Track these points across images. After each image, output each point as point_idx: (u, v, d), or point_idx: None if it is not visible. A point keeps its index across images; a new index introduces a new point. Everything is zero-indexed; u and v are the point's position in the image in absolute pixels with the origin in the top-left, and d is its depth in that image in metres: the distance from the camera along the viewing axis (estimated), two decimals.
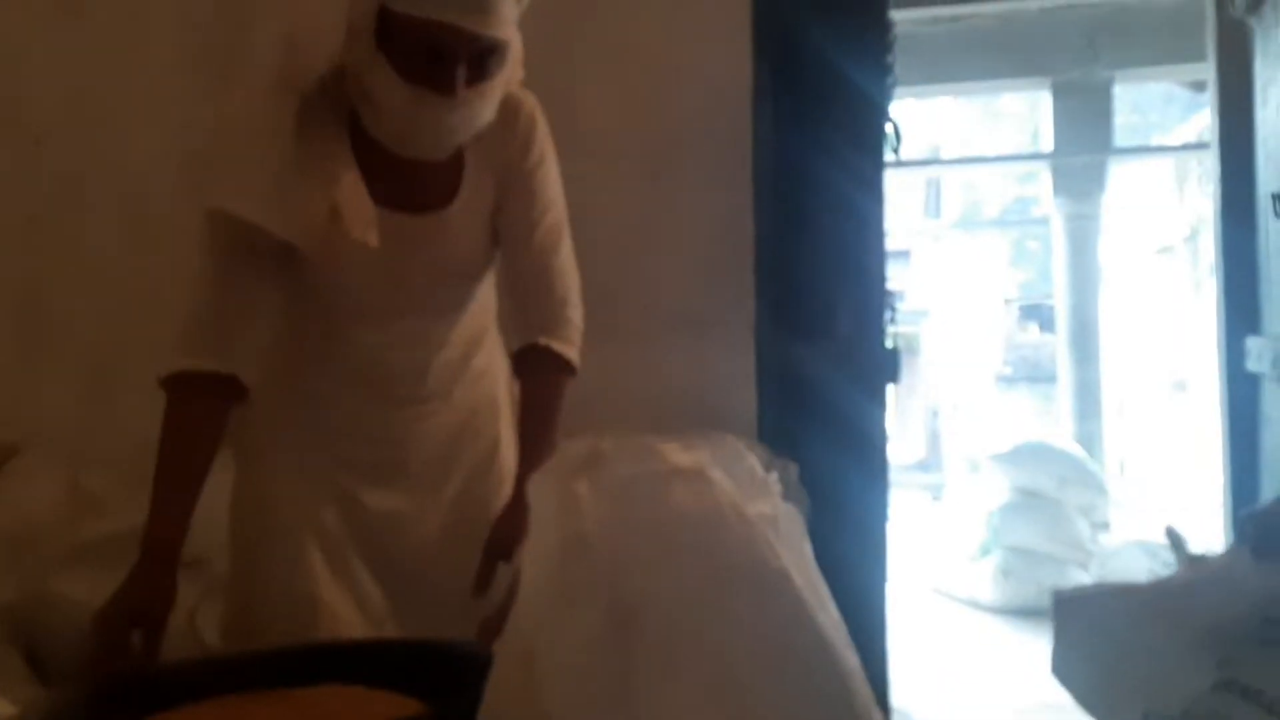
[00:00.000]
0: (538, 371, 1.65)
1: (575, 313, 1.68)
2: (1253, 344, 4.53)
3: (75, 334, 2.63)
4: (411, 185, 1.55)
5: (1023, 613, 6.09)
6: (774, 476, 2.16)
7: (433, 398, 1.68)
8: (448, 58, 1.41)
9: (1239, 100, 4.90)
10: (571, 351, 1.66)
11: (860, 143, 2.58)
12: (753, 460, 2.18)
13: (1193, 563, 2.32)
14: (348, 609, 1.60)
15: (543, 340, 1.63)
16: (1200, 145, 7.86)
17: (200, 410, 1.51)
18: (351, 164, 1.51)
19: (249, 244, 1.49)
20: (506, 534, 1.56)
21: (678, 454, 1.77)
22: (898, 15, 2.68)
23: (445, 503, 1.69)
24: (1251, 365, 4.52)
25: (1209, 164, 5.92)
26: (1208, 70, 5.60)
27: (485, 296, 1.72)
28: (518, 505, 1.57)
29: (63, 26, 2.67)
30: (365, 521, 1.65)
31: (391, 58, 1.41)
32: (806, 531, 2.07)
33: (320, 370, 1.65)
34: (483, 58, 1.44)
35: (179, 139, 2.43)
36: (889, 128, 2.63)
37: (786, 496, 2.13)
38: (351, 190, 1.49)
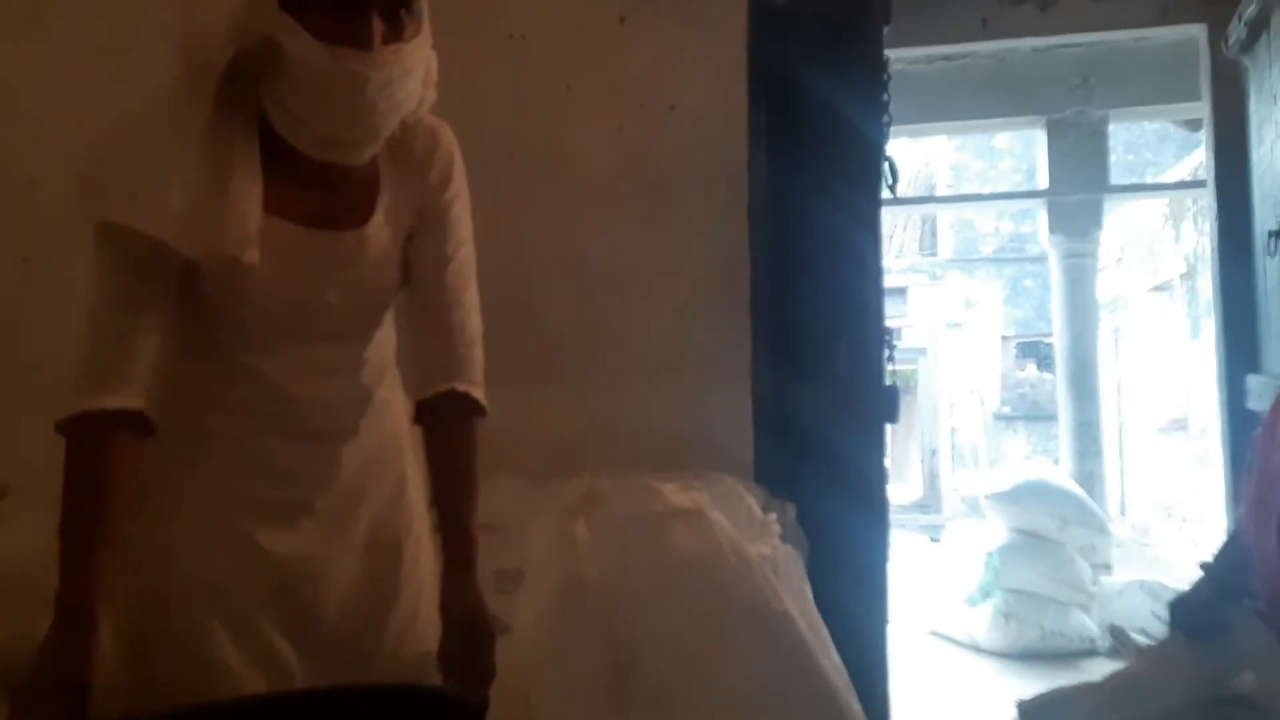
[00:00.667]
0: (454, 417, 1.58)
1: (480, 352, 1.61)
2: (1253, 382, 4.52)
3: (65, 375, 2.61)
4: (326, 200, 1.47)
5: (1024, 656, 6.01)
6: (772, 517, 2.14)
7: (340, 431, 1.59)
8: (359, 6, 1.34)
9: (1234, 138, 4.92)
10: (481, 393, 1.59)
11: (856, 181, 2.58)
12: (751, 501, 2.16)
13: (1139, 654, 2.38)
14: (250, 669, 1.49)
15: (459, 386, 1.56)
16: (1196, 183, 7.88)
17: (109, 453, 1.36)
18: (253, 170, 1.41)
19: (148, 262, 1.37)
20: (467, 651, 1.46)
21: (677, 494, 1.75)
22: (893, 54, 2.69)
23: (353, 543, 1.60)
24: (1252, 404, 4.50)
25: (1205, 202, 5.94)
26: (1202, 109, 5.63)
27: (389, 327, 1.65)
28: (468, 610, 1.48)
29: (55, 66, 2.67)
30: (269, 568, 1.54)
31: (301, 22, 1.33)
32: (805, 573, 2.05)
33: (219, 403, 1.53)
34: (394, 9, 1.37)
35: None
36: (885, 166, 2.63)
37: (785, 537, 2.11)
38: (240, 197, 1.38)
